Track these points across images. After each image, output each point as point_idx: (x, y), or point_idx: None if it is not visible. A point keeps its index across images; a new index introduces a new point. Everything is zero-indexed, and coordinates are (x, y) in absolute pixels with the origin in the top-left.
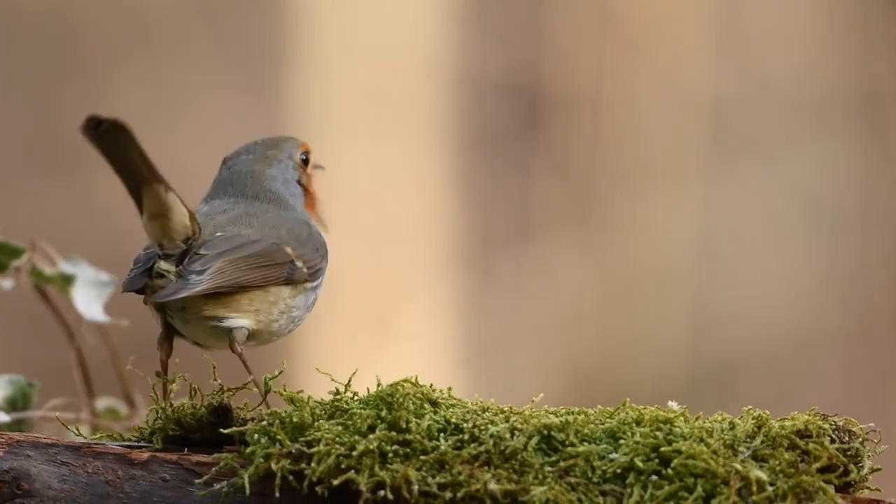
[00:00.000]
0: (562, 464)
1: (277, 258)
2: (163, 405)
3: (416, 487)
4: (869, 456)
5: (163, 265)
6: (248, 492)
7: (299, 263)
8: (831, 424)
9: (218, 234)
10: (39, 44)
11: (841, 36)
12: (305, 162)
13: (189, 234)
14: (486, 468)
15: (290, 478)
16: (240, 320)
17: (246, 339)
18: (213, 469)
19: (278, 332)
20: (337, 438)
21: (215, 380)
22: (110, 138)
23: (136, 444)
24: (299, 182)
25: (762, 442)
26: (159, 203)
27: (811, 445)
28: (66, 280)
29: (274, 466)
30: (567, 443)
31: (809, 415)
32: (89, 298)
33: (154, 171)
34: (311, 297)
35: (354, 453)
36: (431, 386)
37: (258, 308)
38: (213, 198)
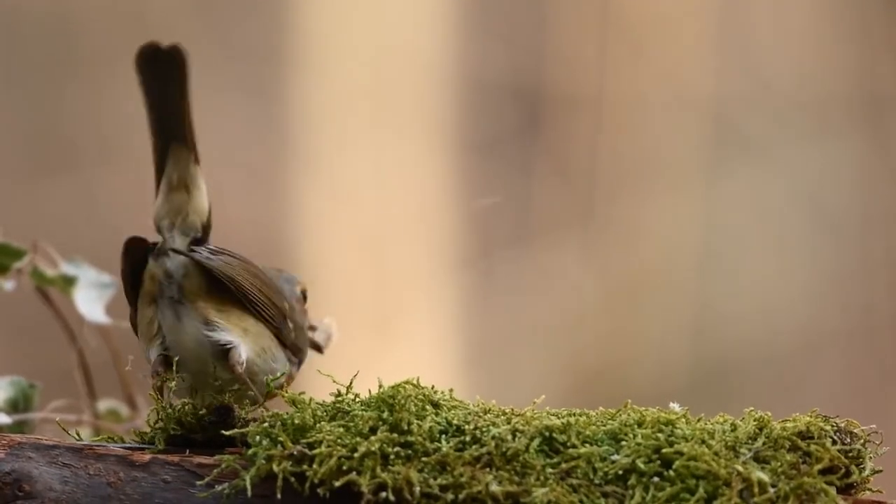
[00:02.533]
0: (563, 465)
1: (277, 301)
2: (164, 404)
3: (417, 489)
4: (870, 457)
5: (176, 241)
6: (249, 493)
7: (290, 325)
8: (833, 426)
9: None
10: (40, 44)
11: (841, 36)
12: (304, 297)
13: (204, 220)
14: (487, 470)
15: (292, 479)
16: (228, 335)
17: (244, 356)
18: (215, 471)
19: (252, 372)
20: (338, 440)
21: (216, 380)
22: (162, 67)
23: (137, 445)
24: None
25: (764, 443)
26: (185, 172)
27: (813, 447)
28: (68, 281)
29: (276, 468)
30: (569, 444)
31: (811, 416)
32: (91, 300)
33: (191, 132)
34: (289, 366)
35: (356, 455)
36: (433, 387)
37: (246, 328)
38: None
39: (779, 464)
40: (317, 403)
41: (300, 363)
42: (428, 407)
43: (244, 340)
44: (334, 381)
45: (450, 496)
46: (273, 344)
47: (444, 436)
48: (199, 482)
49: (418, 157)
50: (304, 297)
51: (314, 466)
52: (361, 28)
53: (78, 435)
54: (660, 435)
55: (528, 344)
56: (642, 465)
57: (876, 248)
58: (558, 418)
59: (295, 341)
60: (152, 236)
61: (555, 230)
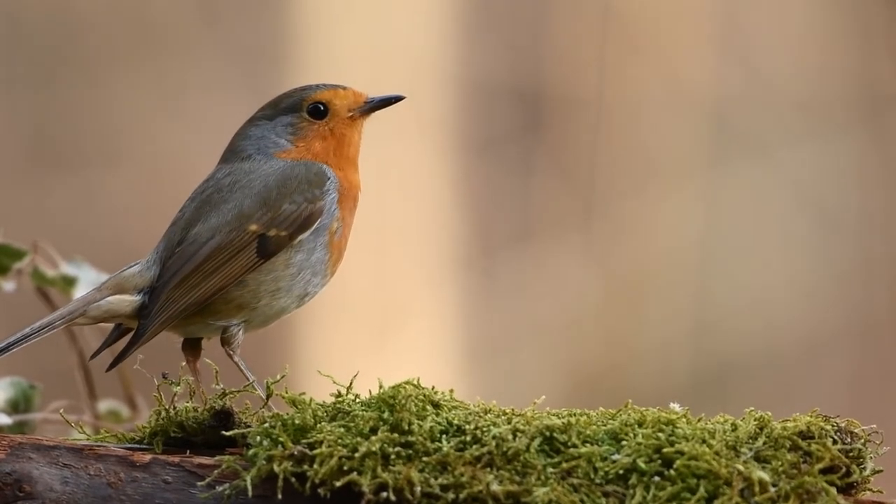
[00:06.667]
0: (564, 465)
1: (237, 244)
2: (167, 407)
3: (418, 489)
4: (871, 457)
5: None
6: (250, 494)
7: (272, 232)
8: (833, 426)
9: (177, 248)
10: (41, 45)
11: (841, 36)
12: (316, 112)
13: (136, 285)
14: (488, 469)
15: (293, 480)
16: (226, 321)
17: (241, 332)
18: (216, 471)
19: (287, 304)
20: (339, 440)
21: (217, 384)
22: None
23: (137, 446)
24: (293, 134)
25: (764, 443)
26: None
27: (813, 446)
28: (68, 282)
29: (276, 468)
30: (569, 444)
31: (811, 416)
32: None
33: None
34: (311, 248)
35: (357, 455)
36: (433, 388)
37: (241, 303)
38: (219, 163)
39: (779, 463)
40: (317, 404)
41: (312, 212)
42: (428, 407)
43: (244, 312)
44: (334, 382)
45: (450, 496)
46: (275, 268)
47: (444, 436)
48: (199, 483)
49: (420, 157)
50: (318, 111)
51: (315, 467)
52: (362, 28)
53: (82, 429)
54: (660, 434)
55: (528, 344)
56: (643, 465)
57: (876, 247)
58: (559, 418)
59: (286, 228)
60: (153, 238)
61: (555, 230)
